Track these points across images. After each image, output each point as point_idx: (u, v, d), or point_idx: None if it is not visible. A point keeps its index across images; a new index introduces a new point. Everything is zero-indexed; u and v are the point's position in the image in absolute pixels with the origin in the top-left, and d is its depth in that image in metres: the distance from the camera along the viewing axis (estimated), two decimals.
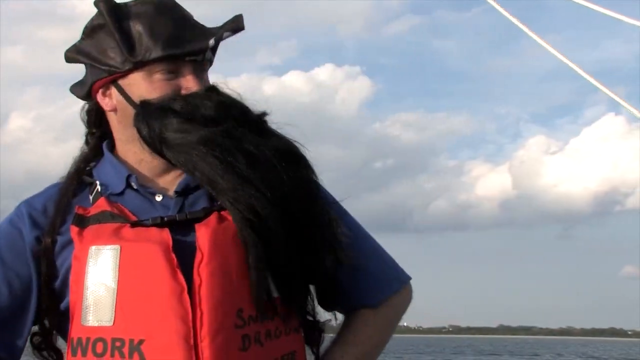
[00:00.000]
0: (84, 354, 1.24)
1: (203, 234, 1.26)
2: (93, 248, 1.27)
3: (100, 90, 1.41)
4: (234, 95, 1.38)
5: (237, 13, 1.42)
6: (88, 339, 1.24)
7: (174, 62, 1.35)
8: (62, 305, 1.35)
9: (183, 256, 1.24)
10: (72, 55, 1.43)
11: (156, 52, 1.34)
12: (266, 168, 1.29)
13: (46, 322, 1.39)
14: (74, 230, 1.32)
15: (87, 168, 1.45)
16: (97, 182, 1.39)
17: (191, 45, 1.35)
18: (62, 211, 1.37)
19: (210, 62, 1.43)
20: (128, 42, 1.35)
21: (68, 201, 1.38)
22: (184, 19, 1.39)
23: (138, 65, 1.35)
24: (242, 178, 1.26)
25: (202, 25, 1.41)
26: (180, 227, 1.29)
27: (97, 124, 1.47)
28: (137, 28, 1.36)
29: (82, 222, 1.32)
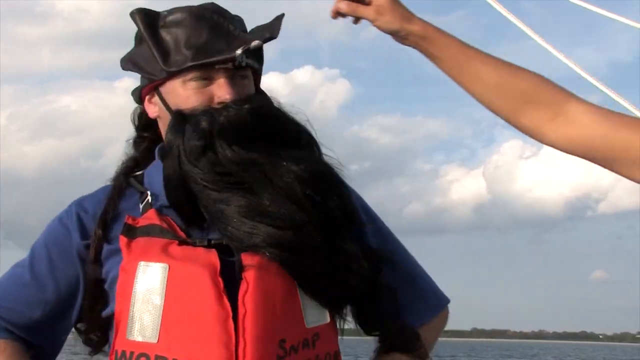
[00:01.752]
0: None
1: (248, 262, 1.25)
2: (142, 264, 1.27)
3: (147, 97, 1.43)
4: (271, 106, 1.37)
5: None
6: (132, 353, 1.24)
7: (206, 70, 1.35)
8: (105, 311, 1.36)
9: (227, 279, 1.24)
10: (124, 63, 1.46)
11: (187, 61, 1.34)
12: (290, 203, 1.26)
13: (88, 321, 1.40)
14: (122, 240, 1.32)
15: (138, 172, 1.45)
16: (148, 193, 1.38)
17: (221, 53, 1.34)
18: (111, 216, 1.38)
19: (254, 68, 1.41)
20: (162, 51, 1.36)
21: (116, 206, 1.39)
22: (218, 25, 1.38)
23: (172, 74, 1.36)
24: (262, 216, 1.25)
25: (240, 32, 1.39)
26: (225, 249, 1.28)
27: (147, 128, 1.49)
28: (171, 36, 1.37)
29: (131, 232, 1.32)
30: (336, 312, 1.32)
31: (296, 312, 1.26)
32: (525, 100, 1.28)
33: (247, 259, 1.25)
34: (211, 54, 1.34)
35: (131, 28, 1.44)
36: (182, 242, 1.29)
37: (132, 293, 1.26)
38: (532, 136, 1.29)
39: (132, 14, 1.41)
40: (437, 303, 1.53)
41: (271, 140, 1.31)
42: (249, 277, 1.24)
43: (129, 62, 1.44)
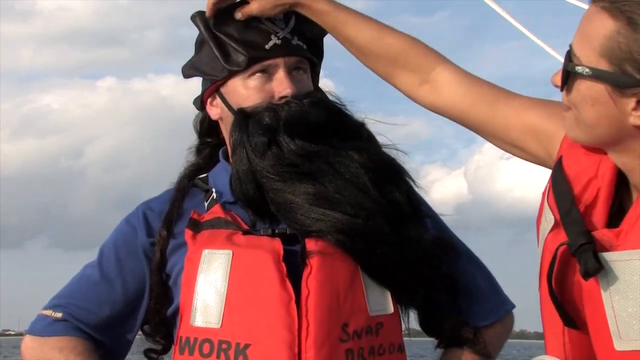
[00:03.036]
0: (191, 352, 1.27)
1: (312, 247, 1.28)
2: (206, 252, 1.30)
3: (208, 100, 1.46)
4: (331, 100, 1.41)
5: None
6: (196, 339, 1.27)
7: (265, 66, 1.38)
8: (171, 306, 1.38)
9: (290, 266, 1.26)
10: (187, 71, 1.49)
11: (245, 58, 1.37)
12: (357, 191, 1.30)
13: (154, 322, 1.42)
14: (188, 233, 1.35)
15: (203, 175, 1.48)
16: (213, 190, 1.42)
17: (270, 39, 1.38)
18: (176, 215, 1.41)
19: (312, 61, 1.45)
20: (223, 50, 1.39)
21: (181, 205, 1.42)
22: (275, 21, 1.40)
23: (233, 72, 1.38)
24: (330, 204, 1.28)
25: (284, 19, 1.42)
26: (288, 238, 1.31)
27: (209, 133, 1.52)
28: (230, 35, 1.40)
29: (197, 226, 1.35)
30: (401, 299, 1.33)
31: (359, 299, 1.27)
32: (395, 65, 1.34)
33: (312, 245, 1.28)
34: (263, 43, 1.37)
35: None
36: (246, 232, 1.32)
37: (196, 281, 1.29)
38: (408, 97, 1.35)
39: (193, 18, 1.44)
40: (500, 307, 1.48)
41: (333, 133, 1.35)
42: (313, 262, 1.26)
43: (190, 68, 1.47)
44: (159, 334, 1.42)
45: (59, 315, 1.39)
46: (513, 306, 1.50)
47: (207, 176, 1.47)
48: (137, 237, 1.42)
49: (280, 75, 1.37)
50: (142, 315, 1.42)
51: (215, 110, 1.45)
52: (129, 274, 1.41)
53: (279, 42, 1.38)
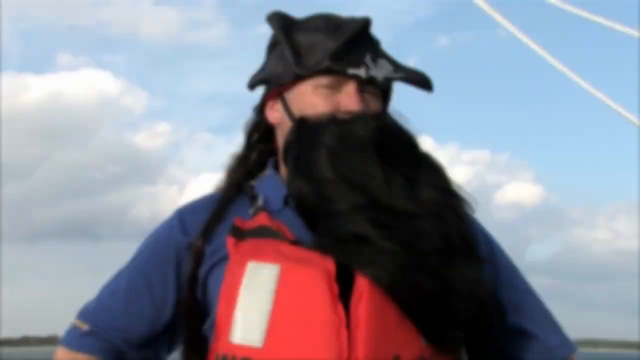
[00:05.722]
0: None
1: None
2: (251, 264, 1.20)
3: (269, 104, 1.39)
4: (399, 126, 1.32)
5: None
6: (234, 357, 1.17)
7: (337, 78, 1.30)
8: (209, 320, 1.30)
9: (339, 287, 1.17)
10: (251, 80, 1.42)
11: (319, 64, 1.30)
12: (416, 224, 1.20)
13: (190, 335, 1.34)
14: (230, 241, 1.25)
15: (251, 183, 1.40)
16: (260, 197, 1.34)
17: (359, 65, 1.30)
18: (218, 221, 1.33)
19: (386, 92, 1.39)
20: (295, 52, 1.32)
21: (224, 212, 1.34)
22: (360, 38, 1.33)
23: (301, 77, 1.31)
24: (387, 238, 1.17)
25: (383, 53, 1.35)
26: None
27: (260, 139, 1.45)
28: (307, 40, 1.33)
29: (240, 234, 1.26)
30: (442, 338, 1.21)
31: (412, 328, 1.17)
32: None
33: None
34: (349, 63, 1.29)
35: None
36: (293, 243, 1.22)
37: (239, 294, 1.19)
38: None
39: (268, 17, 1.38)
40: (564, 347, 1.40)
41: (396, 160, 1.26)
42: (363, 285, 1.16)
43: (255, 76, 1.42)
44: (193, 352, 1.32)
45: (86, 327, 1.34)
46: (574, 347, 1.41)
47: (253, 184, 1.39)
48: (174, 243, 1.35)
49: (350, 89, 1.30)
50: (174, 331, 1.35)
51: (276, 114, 1.38)
52: (159, 287, 1.34)
53: (364, 75, 1.30)
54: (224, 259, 1.26)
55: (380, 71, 1.31)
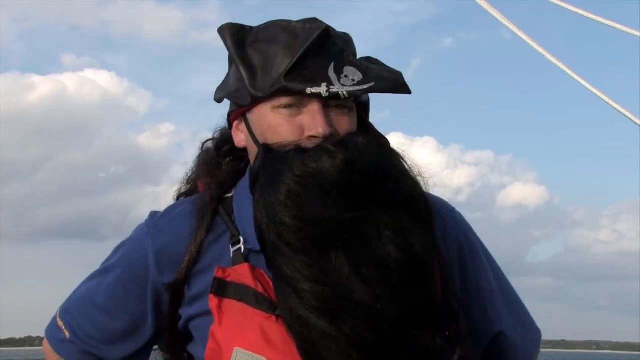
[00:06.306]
0: None
1: None
2: (238, 352, 1.13)
3: (235, 123, 1.28)
4: (375, 156, 1.14)
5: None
6: None
7: (298, 96, 1.16)
8: (189, 347, 1.27)
9: None
10: (217, 92, 1.30)
11: (274, 85, 1.16)
12: (369, 285, 1.07)
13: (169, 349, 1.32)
14: (213, 301, 1.16)
15: (228, 195, 1.28)
16: (241, 238, 1.21)
17: (317, 82, 1.15)
18: (197, 253, 1.22)
19: (362, 101, 1.26)
20: (250, 72, 1.20)
21: (203, 241, 1.23)
22: (321, 46, 1.17)
23: (259, 99, 1.19)
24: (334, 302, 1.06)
25: (350, 57, 1.19)
26: None
27: (230, 152, 1.33)
28: (261, 57, 1.20)
29: (222, 289, 1.17)
30: None
31: None
32: None
33: None
34: (306, 80, 1.15)
35: None
36: (280, 317, 1.12)
37: None
38: None
39: (220, 30, 1.25)
40: (535, 341, 1.40)
41: (362, 200, 1.09)
42: None
43: (219, 90, 1.29)
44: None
45: (67, 335, 1.32)
46: (541, 334, 1.42)
47: (231, 198, 1.27)
48: (149, 276, 1.26)
49: (313, 107, 1.16)
50: (151, 341, 1.31)
51: (241, 136, 1.26)
52: (133, 306, 1.28)
53: (325, 94, 1.15)
54: (207, 313, 1.18)
55: (345, 84, 1.15)
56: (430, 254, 1.13)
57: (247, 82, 1.19)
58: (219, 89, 1.30)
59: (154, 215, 1.31)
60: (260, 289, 1.15)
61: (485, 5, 5.19)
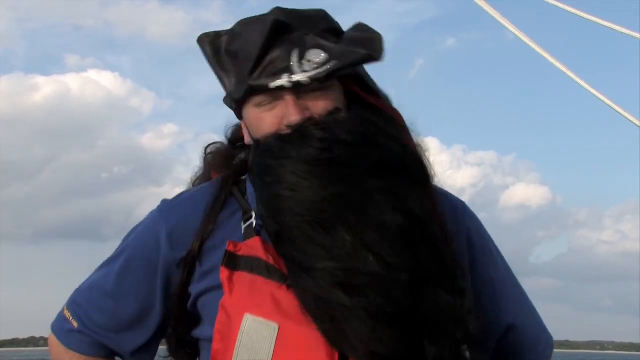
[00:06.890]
0: None
1: None
2: (249, 317, 1.13)
3: (241, 123, 1.32)
4: (354, 117, 1.16)
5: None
6: None
7: (269, 92, 1.20)
8: (195, 333, 1.27)
9: None
10: (224, 100, 1.32)
11: (242, 89, 1.22)
12: (373, 252, 1.06)
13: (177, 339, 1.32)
14: (224, 273, 1.17)
15: (243, 177, 1.31)
16: (253, 214, 1.22)
17: (277, 76, 1.18)
18: (210, 229, 1.24)
19: (348, 74, 1.25)
20: (228, 79, 1.26)
21: (216, 218, 1.25)
22: (281, 36, 1.20)
23: (240, 102, 1.24)
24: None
25: (315, 41, 1.20)
26: None
27: (241, 148, 1.37)
28: (232, 62, 1.25)
29: (233, 262, 1.17)
30: None
31: None
32: None
33: None
34: (268, 75, 1.18)
35: None
36: (289, 286, 1.13)
37: (236, 345, 1.13)
38: None
39: (199, 41, 1.29)
40: (547, 344, 1.39)
41: (350, 172, 1.10)
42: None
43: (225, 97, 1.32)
44: (181, 350, 1.32)
45: (75, 325, 1.32)
46: (552, 338, 1.41)
47: (245, 180, 1.29)
48: (160, 253, 1.26)
49: (287, 97, 1.19)
50: (160, 330, 1.31)
51: (246, 134, 1.31)
52: (142, 290, 1.28)
53: (288, 84, 1.17)
54: (217, 287, 1.18)
55: (307, 69, 1.17)
56: (430, 212, 1.13)
57: (227, 88, 1.27)
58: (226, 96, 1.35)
59: (165, 200, 1.33)
60: (271, 261, 1.16)
61: (486, 7, 5.21)
